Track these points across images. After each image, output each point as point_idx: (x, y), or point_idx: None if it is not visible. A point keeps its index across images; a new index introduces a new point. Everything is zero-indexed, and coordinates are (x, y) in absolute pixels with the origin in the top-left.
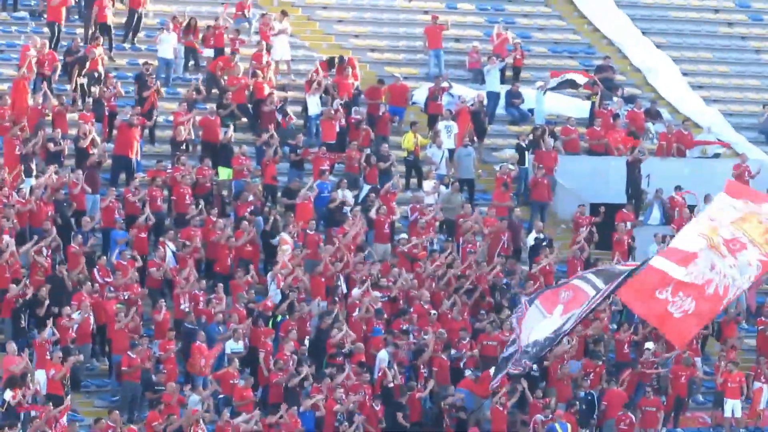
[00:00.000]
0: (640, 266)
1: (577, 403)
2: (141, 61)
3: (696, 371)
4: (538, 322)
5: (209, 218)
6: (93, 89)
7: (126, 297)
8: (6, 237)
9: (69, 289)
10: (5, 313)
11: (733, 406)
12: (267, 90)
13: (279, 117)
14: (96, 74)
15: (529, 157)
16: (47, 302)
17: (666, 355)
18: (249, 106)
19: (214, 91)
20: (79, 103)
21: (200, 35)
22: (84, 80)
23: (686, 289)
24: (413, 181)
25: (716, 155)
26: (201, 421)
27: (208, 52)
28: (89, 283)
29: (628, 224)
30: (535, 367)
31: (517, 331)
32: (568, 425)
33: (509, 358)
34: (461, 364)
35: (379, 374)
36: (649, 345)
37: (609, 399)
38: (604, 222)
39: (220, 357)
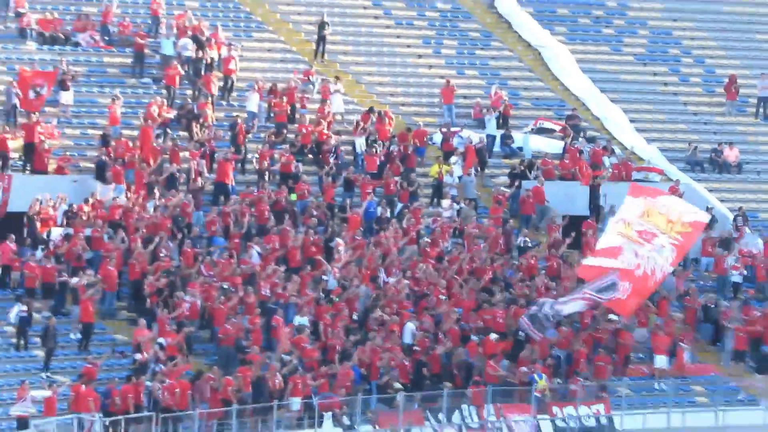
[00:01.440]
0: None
1: (551, 359)
2: (234, 113)
3: (632, 337)
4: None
5: (285, 228)
6: (200, 134)
7: (224, 286)
8: (138, 242)
9: (181, 281)
10: (139, 296)
11: (660, 361)
12: (326, 134)
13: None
14: (206, 124)
15: (523, 182)
16: (167, 290)
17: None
18: (313, 146)
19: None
20: (192, 145)
21: (279, 95)
22: (197, 129)
23: (622, 275)
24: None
25: (654, 181)
26: (278, 373)
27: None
28: (202, 278)
29: (591, 230)
30: (521, 333)
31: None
32: (544, 375)
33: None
34: (469, 333)
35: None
36: (613, 317)
37: (576, 356)
38: (574, 229)
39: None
